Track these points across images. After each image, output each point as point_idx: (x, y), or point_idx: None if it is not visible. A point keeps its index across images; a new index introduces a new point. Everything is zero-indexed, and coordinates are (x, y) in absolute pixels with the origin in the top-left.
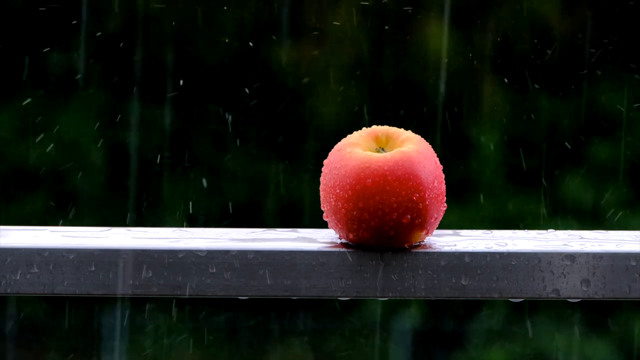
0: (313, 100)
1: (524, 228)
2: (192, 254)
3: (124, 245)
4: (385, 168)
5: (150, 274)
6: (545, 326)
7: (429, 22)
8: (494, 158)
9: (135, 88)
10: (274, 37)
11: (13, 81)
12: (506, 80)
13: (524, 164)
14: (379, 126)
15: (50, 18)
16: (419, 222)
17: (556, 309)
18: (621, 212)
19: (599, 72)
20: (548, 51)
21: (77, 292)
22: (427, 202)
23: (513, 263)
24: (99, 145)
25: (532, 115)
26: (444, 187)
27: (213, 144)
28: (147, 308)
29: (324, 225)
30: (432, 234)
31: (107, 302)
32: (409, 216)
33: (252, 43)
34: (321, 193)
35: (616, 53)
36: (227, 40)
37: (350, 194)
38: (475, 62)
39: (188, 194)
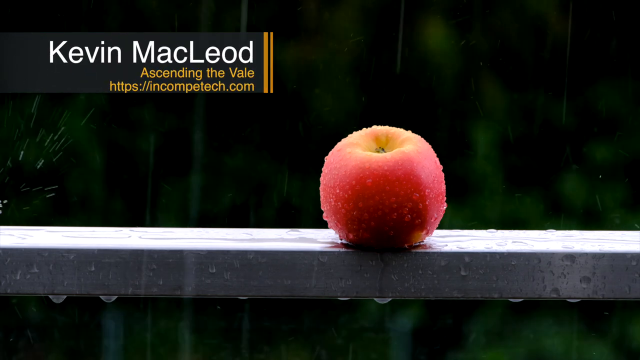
0: (313, 100)
1: (523, 228)
2: (192, 254)
3: (124, 245)
4: (385, 168)
5: (150, 274)
6: (545, 326)
7: (429, 22)
8: (493, 158)
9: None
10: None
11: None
12: (505, 80)
13: (523, 164)
14: (379, 126)
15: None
16: (419, 222)
17: (556, 309)
18: (621, 212)
19: (598, 72)
20: (547, 51)
21: (77, 292)
22: (427, 202)
23: (513, 263)
24: (98, 146)
25: (531, 115)
26: (443, 187)
27: (213, 144)
28: (146, 308)
29: (324, 225)
30: (432, 234)
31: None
32: (409, 216)
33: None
34: (321, 193)
35: (615, 53)
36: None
37: (350, 194)
38: (474, 62)
39: (188, 194)
